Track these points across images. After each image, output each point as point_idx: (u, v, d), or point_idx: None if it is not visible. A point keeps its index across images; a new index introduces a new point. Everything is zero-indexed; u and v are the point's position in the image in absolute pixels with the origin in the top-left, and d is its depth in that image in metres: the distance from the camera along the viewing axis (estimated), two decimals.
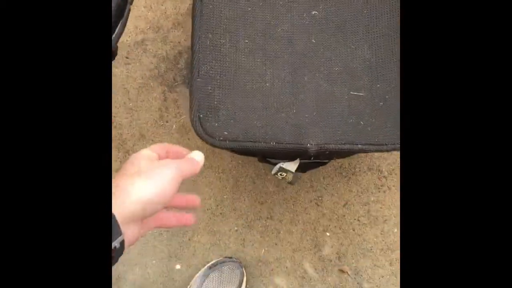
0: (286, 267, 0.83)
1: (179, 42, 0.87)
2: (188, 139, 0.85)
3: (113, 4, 0.45)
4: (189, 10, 0.88)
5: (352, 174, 0.84)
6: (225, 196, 0.84)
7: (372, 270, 0.82)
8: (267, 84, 0.56)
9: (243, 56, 0.56)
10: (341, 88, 0.57)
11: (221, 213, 0.84)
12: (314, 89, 0.57)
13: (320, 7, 0.60)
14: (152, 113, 0.85)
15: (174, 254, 0.84)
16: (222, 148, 0.51)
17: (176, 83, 0.86)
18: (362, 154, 0.84)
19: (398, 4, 0.58)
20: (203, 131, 0.52)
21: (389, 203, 0.83)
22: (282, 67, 0.57)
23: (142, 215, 0.35)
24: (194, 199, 0.46)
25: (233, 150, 0.56)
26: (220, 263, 0.81)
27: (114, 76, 0.85)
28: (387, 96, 0.56)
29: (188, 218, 0.44)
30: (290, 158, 0.58)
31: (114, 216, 0.32)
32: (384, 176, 0.83)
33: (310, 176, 0.84)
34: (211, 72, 0.54)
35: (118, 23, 0.47)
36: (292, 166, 0.62)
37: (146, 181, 0.35)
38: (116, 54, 0.58)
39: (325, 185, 0.84)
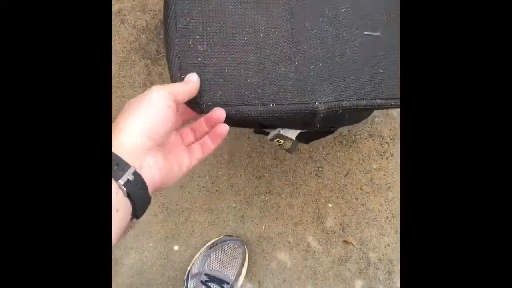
0: (289, 242, 0.80)
1: (160, 10, 0.80)
2: None
3: None
4: None
5: (353, 142, 0.79)
6: (220, 173, 0.80)
7: (377, 239, 0.79)
8: (261, 35, 0.47)
9: (229, 4, 0.47)
10: (351, 31, 0.48)
11: (217, 190, 0.80)
12: (317, 35, 0.48)
13: None
14: (137, 89, 0.80)
15: (171, 235, 0.81)
16: None
17: (160, 56, 0.79)
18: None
19: None
20: None
21: (392, 169, 0.79)
22: (277, 12, 0.48)
23: (151, 143, 0.37)
24: (217, 112, 0.43)
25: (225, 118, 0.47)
26: (221, 242, 0.78)
27: None
28: None
29: (218, 131, 0.43)
30: (293, 126, 0.52)
31: (115, 153, 0.34)
32: (386, 142, 0.79)
33: (309, 146, 0.79)
34: (191, 24, 0.45)
35: None
36: (292, 132, 0.57)
37: (137, 113, 0.37)
38: None
39: (324, 155, 0.80)
